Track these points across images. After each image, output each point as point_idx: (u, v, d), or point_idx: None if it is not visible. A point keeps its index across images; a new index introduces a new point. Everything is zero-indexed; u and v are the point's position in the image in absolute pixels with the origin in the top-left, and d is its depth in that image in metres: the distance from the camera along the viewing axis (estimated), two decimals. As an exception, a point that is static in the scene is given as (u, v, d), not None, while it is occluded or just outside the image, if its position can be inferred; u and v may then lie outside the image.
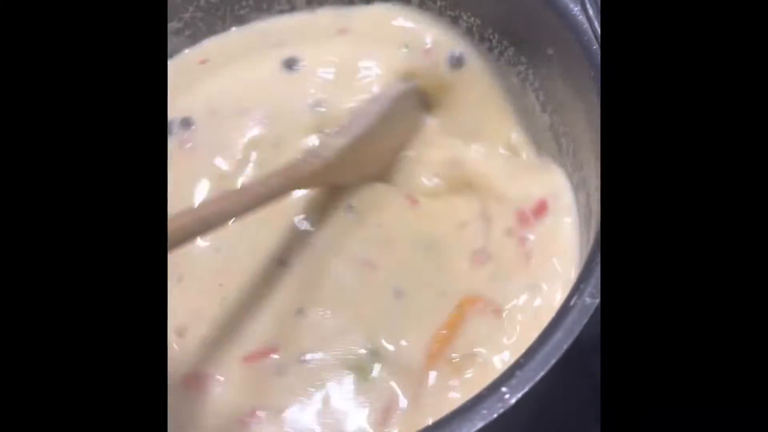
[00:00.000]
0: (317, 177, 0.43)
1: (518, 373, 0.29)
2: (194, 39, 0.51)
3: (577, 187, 0.42)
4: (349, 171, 0.45)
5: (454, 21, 0.48)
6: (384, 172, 0.47)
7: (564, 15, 0.39)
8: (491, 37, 0.46)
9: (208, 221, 0.37)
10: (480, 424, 0.28)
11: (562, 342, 0.30)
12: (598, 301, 0.30)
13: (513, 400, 0.29)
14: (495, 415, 0.29)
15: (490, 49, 0.47)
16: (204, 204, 0.44)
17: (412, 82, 0.48)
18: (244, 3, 0.51)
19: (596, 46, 0.37)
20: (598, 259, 0.31)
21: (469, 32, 0.47)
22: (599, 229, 0.33)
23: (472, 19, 0.47)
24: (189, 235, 0.36)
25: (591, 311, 0.30)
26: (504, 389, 0.29)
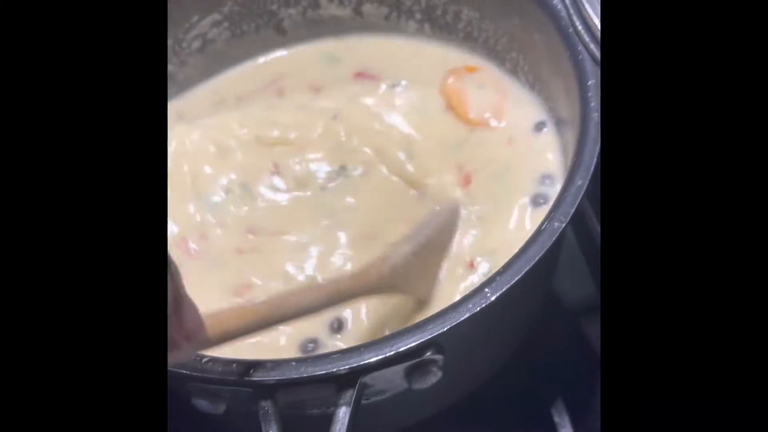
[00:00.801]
0: (384, 283, 0.43)
1: (498, 278, 0.37)
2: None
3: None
4: (414, 281, 0.45)
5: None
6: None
7: (546, 5, 0.47)
8: (488, 28, 0.54)
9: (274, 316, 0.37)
10: (467, 315, 0.36)
11: (533, 256, 0.37)
12: (564, 225, 0.38)
13: (493, 297, 0.36)
14: (478, 309, 0.36)
15: (486, 40, 0.55)
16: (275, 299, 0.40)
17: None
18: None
19: (571, 29, 0.45)
20: (570, 193, 0.39)
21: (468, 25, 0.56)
22: (571, 172, 0.40)
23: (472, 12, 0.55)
24: (257, 326, 0.36)
25: (558, 233, 0.38)
26: (486, 290, 0.37)
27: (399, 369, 0.37)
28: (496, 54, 0.55)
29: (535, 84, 0.52)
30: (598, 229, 0.60)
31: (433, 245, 0.46)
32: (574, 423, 0.50)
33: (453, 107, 0.54)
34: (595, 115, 0.41)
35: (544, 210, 0.41)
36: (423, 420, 0.48)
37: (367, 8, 0.58)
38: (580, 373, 0.57)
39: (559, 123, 0.50)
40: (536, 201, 0.48)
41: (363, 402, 0.39)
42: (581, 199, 0.60)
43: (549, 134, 0.51)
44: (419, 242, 0.44)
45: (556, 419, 0.50)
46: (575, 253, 0.62)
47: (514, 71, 0.54)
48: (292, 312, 0.38)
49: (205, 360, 0.36)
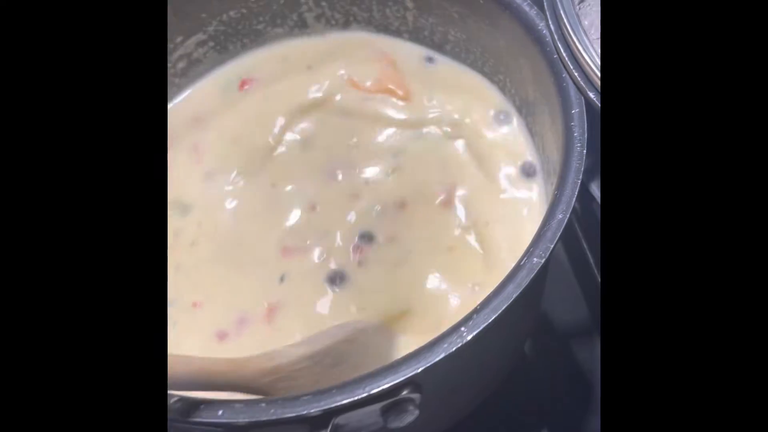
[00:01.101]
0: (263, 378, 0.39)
1: (475, 316, 0.36)
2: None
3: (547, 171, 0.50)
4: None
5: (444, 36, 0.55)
6: None
7: (531, 29, 0.46)
8: (475, 50, 0.53)
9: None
10: (442, 355, 0.35)
11: (511, 293, 0.36)
12: (543, 261, 0.37)
13: (469, 337, 0.35)
14: (454, 348, 0.35)
15: (474, 61, 0.54)
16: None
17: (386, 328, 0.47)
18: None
19: (556, 56, 0.44)
20: (548, 228, 0.38)
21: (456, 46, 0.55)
22: (552, 205, 0.39)
23: (459, 34, 0.54)
24: None
25: (537, 269, 0.37)
26: (463, 328, 0.36)
27: (374, 408, 0.36)
28: (483, 75, 0.54)
29: (522, 106, 0.52)
30: (590, 255, 0.59)
31: (337, 360, 0.42)
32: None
33: None
34: (578, 147, 0.40)
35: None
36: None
37: (354, 28, 0.57)
38: (568, 401, 0.56)
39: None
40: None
41: (340, 440, 0.38)
42: (575, 227, 0.61)
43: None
44: (316, 350, 0.41)
45: (542, 449, 0.49)
46: (569, 278, 0.62)
47: (501, 94, 0.53)
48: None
49: (173, 400, 0.36)
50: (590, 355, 0.59)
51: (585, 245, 0.60)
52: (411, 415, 0.37)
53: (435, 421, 0.45)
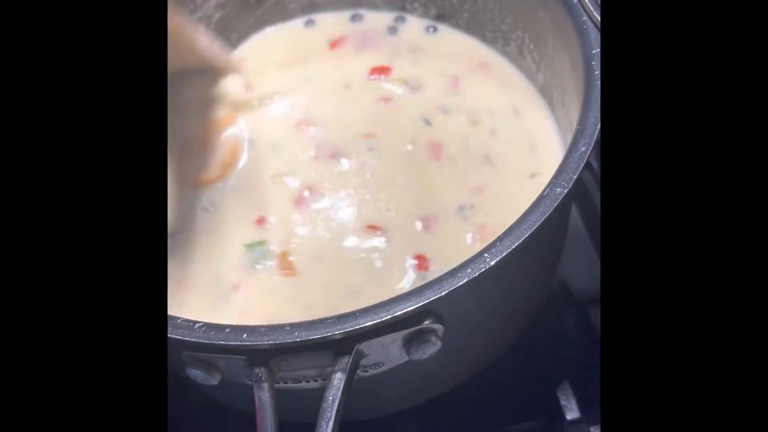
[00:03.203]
0: None
1: (498, 243, 0.36)
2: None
3: (565, 130, 0.50)
4: None
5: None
6: None
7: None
8: (493, 7, 0.54)
9: None
10: (465, 279, 0.35)
11: (535, 221, 0.36)
12: (566, 191, 0.37)
13: (492, 263, 0.35)
14: (477, 273, 0.35)
15: (492, 19, 0.54)
16: None
17: None
18: None
19: (576, 1, 0.44)
20: (571, 159, 0.38)
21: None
22: (574, 139, 0.39)
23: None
24: None
25: (560, 198, 0.37)
26: (486, 255, 0.36)
27: (397, 337, 0.36)
28: (502, 34, 0.54)
29: (541, 63, 0.52)
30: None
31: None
32: (581, 406, 0.49)
33: None
34: (599, 83, 0.40)
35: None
36: (427, 401, 0.47)
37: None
38: (587, 359, 0.56)
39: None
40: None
41: (362, 374, 0.38)
42: (591, 191, 0.61)
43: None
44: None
45: (563, 402, 0.48)
46: (585, 245, 0.61)
47: (520, 52, 0.54)
48: None
49: (198, 325, 0.36)
50: (609, 322, 0.59)
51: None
52: (433, 346, 0.37)
53: (458, 367, 0.45)
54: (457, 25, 0.57)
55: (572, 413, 0.48)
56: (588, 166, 0.60)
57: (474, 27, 0.56)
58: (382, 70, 0.56)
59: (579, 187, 0.62)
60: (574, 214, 0.63)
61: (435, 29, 0.58)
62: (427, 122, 0.53)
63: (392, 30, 0.58)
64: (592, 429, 0.49)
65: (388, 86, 0.55)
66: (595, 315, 0.59)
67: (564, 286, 0.60)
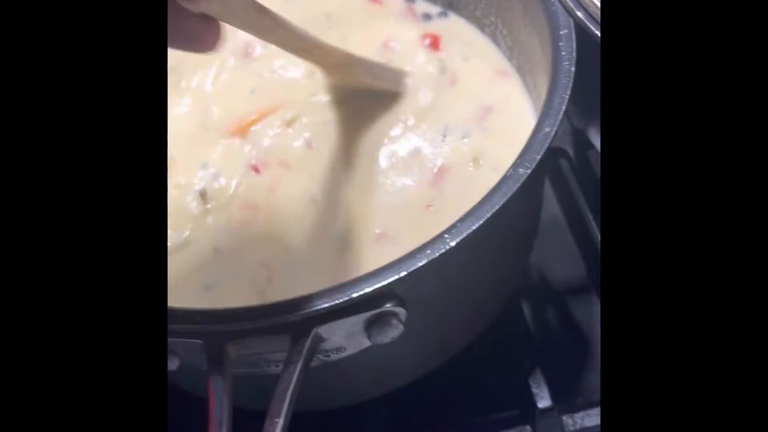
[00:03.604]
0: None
1: (459, 224, 0.35)
2: None
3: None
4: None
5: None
6: None
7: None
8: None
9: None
10: (425, 261, 0.34)
11: (496, 202, 0.36)
12: (529, 171, 0.36)
13: (453, 243, 0.35)
14: (437, 254, 0.35)
15: (466, 5, 0.54)
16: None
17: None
18: None
19: (546, -17, 0.44)
20: (535, 140, 0.38)
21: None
22: (540, 119, 0.39)
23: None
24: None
25: (522, 179, 0.36)
26: (446, 235, 0.35)
27: (357, 320, 0.36)
28: (476, 20, 0.54)
29: (514, 48, 0.51)
30: (589, 211, 0.59)
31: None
32: (554, 395, 0.48)
33: None
34: (566, 64, 0.40)
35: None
36: (397, 390, 0.46)
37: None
38: (564, 349, 0.55)
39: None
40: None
41: (324, 360, 0.38)
42: (571, 182, 0.61)
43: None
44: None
45: (535, 390, 0.48)
46: (564, 235, 0.61)
47: (493, 36, 0.53)
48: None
49: (153, 309, 0.35)
50: (588, 312, 0.58)
51: (582, 201, 0.60)
52: (395, 330, 0.37)
53: (426, 354, 0.45)
54: (431, 12, 0.56)
55: (544, 401, 0.48)
56: (564, 154, 0.60)
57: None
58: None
59: (557, 175, 0.62)
60: (553, 204, 0.63)
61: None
62: None
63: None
64: (564, 417, 0.48)
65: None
66: (573, 304, 0.59)
67: (541, 274, 0.60)
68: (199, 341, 0.35)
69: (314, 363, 0.38)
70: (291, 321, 0.34)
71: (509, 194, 0.36)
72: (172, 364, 0.37)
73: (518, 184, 0.36)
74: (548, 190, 0.64)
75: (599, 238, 0.56)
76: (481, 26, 0.54)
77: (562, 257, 0.61)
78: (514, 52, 0.52)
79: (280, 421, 0.32)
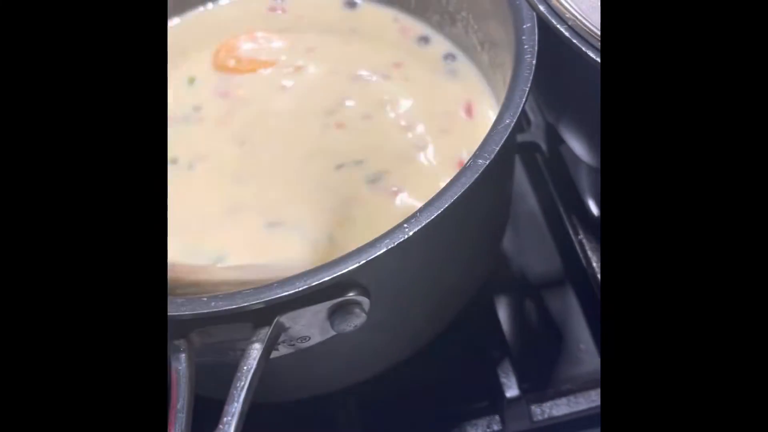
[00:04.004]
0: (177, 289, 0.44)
1: (418, 214, 0.36)
2: None
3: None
4: None
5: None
6: None
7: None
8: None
9: None
10: (384, 249, 0.35)
11: (455, 192, 0.36)
12: (488, 162, 0.37)
13: (411, 233, 0.35)
14: (395, 244, 0.35)
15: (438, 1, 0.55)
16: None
17: None
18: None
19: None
20: (495, 132, 0.38)
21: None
22: (501, 111, 0.39)
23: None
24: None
25: (481, 170, 0.37)
26: (405, 225, 0.36)
27: (320, 309, 0.36)
28: (449, 15, 0.55)
29: (484, 43, 0.52)
30: (560, 204, 0.59)
31: None
32: (521, 385, 0.49)
33: None
34: (527, 57, 0.40)
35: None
36: (366, 381, 0.47)
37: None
38: (535, 341, 0.56)
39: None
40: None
41: (290, 348, 0.38)
42: (544, 176, 0.62)
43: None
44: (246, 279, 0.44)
45: (503, 379, 0.48)
46: (541, 231, 0.62)
47: (465, 32, 0.54)
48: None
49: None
50: (562, 305, 0.59)
51: (555, 195, 0.60)
52: (357, 318, 0.37)
53: (393, 344, 0.45)
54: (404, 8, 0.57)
55: (512, 391, 0.48)
56: (537, 148, 0.61)
57: (420, 9, 0.56)
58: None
59: (534, 171, 0.63)
60: (530, 198, 0.63)
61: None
62: None
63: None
64: (532, 407, 0.49)
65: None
66: (547, 297, 0.59)
67: (515, 266, 0.60)
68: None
69: (281, 352, 0.38)
70: (253, 309, 0.35)
71: (467, 185, 0.36)
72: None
73: (476, 175, 0.37)
74: (525, 185, 0.65)
75: (570, 232, 0.57)
76: (453, 20, 0.54)
77: (537, 251, 0.61)
78: (484, 47, 0.52)
79: (237, 408, 0.33)
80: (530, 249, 0.62)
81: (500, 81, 0.51)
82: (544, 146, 0.60)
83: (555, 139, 0.59)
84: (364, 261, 0.35)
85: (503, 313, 0.56)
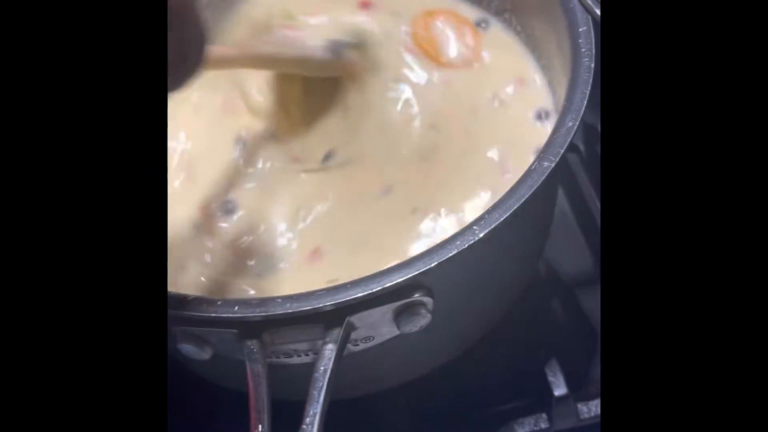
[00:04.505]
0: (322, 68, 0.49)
1: (487, 215, 0.36)
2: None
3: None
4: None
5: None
6: None
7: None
8: (480, -10, 0.54)
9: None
10: (455, 251, 0.36)
11: (522, 194, 0.37)
12: (553, 164, 0.38)
13: (481, 234, 0.36)
14: (466, 245, 0.36)
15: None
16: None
17: None
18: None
19: (562, -21, 0.45)
20: (558, 134, 0.39)
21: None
22: (562, 114, 0.40)
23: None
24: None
25: (547, 172, 0.37)
26: (475, 227, 0.36)
27: (387, 310, 0.37)
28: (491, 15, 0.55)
29: (528, 42, 0.52)
30: (598, 205, 0.60)
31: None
32: (569, 383, 0.49)
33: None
34: (586, 61, 0.41)
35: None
36: (418, 377, 0.47)
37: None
38: (576, 340, 0.56)
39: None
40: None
41: (353, 348, 0.39)
42: (579, 173, 0.62)
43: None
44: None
45: (551, 378, 0.49)
46: (573, 229, 0.62)
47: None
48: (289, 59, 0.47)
49: (189, 299, 0.36)
50: (595, 304, 0.59)
51: (592, 194, 0.61)
52: (423, 319, 0.38)
53: (448, 342, 0.46)
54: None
55: (560, 389, 0.49)
56: (574, 148, 0.61)
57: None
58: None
59: (565, 170, 0.63)
60: (561, 198, 0.64)
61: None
62: None
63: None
64: (579, 405, 0.49)
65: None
66: (582, 296, 0.59)
67: (551, 268, 0.61)
68: (234, 330, 0.36)
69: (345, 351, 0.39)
70: (325, 310, 0.35)
71: (535, 186, 0.37)
72: (205, 353, 0.38)
73: (543, 177, 0.37)
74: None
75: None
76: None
77: (570, 250, 0.62)
78: (528, 48, 0.53)
79: (318, 408, 0.33)
80: (563, 248, 0.62)
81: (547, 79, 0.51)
82: (582, 147, 0.60)
83: (592, 139, 0.59)
84: (435, 263, 0.35)
85: (541, 313, 0.57)
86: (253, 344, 0.36)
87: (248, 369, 0.35)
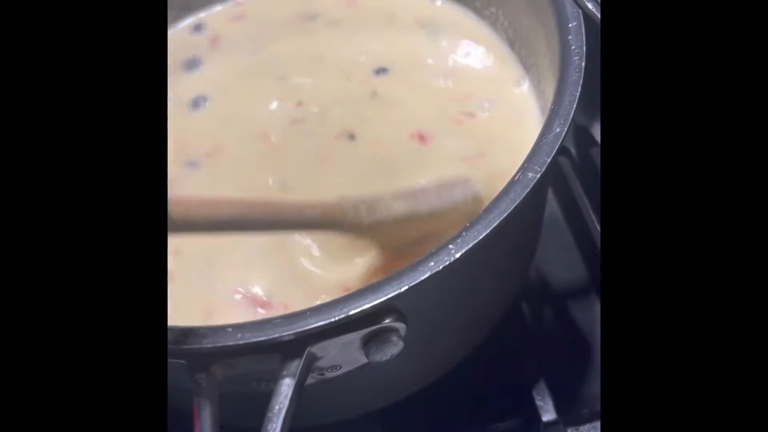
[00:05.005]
0: (353, 229, 0.39)
1: (464, 233, 0.33)
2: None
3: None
4: (383, 236, 0.41)
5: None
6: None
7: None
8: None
9: (221, 221, 0.34)
10: (428, 274, 0.32)
11: (504, 209, 0.33)
12: (538, 176, 0.34)
13: (458, 255, 0.32)
14: (441, 267, 0.32)
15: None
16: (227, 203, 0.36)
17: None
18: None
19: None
20: (545, 141, 0.35)
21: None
22: (549, 119, 0.36)
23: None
24: (197, 226, 0.34)
25: (531, 184, 0.34)
26: (451, 246, 0.32)
27: (354, 338, 0.33)
28: (475, 10, 0.51)
29: (515, 40, 0.49)
30: (591, 213, 0.56)
31: (431, 221, 0.40)
32: (557, 406, 0.46)
33: None
34: (576, 59, 0.37)
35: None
36: (395, 403, 0.44)
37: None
38: (566, 355, 0.53)
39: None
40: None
41: (318, 378, 0.35)
42: (573, 182, 0.59)
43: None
44: (418, 209, 0.40)
45: (539, 402, 0.45)
46: (563, 234, 0.59)
47: (494, 26, 0.50)
48: (260, 221, 0.36)
49: (132, 327, 0.32)
50: (589, 316, 0.56)
51: (585, 200, 0.57)
52: (395, 347, 0.34)
53: (426, 367, 0.42)
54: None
55: (548, 414, 0.45)
56: (565, 151, 0.58)
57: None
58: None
59: (556, 173, 0.60)
60: (552, 202, 0.60)
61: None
62: None
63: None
64: (569, 430, 0.46)
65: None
66: (574, 308, 0.56)
67: (541, 277, 0.57)
68: (183, 361, 0.32)
69: (307, 381, 0.35)
70: (281, 340, 0.31)
71: (518, 200, 0.33)
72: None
73: (527, 190, 0.33)
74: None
75: (596, 239, 0.54)
76: (481, 17, 0.51)
77: (562, 258, 0.59)
78: (515, 45, 0.49)
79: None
80: (554, 256, 0.59)
81: (534, 80, 0.48)
82: (573, 150, 0.57)
83: (585, 142, 0.56)
84: (406, 287, 0.32)
85: (532, 326, 0.53)
86: (201, 378, 0.32)
87: (194, 404, 0.31)
